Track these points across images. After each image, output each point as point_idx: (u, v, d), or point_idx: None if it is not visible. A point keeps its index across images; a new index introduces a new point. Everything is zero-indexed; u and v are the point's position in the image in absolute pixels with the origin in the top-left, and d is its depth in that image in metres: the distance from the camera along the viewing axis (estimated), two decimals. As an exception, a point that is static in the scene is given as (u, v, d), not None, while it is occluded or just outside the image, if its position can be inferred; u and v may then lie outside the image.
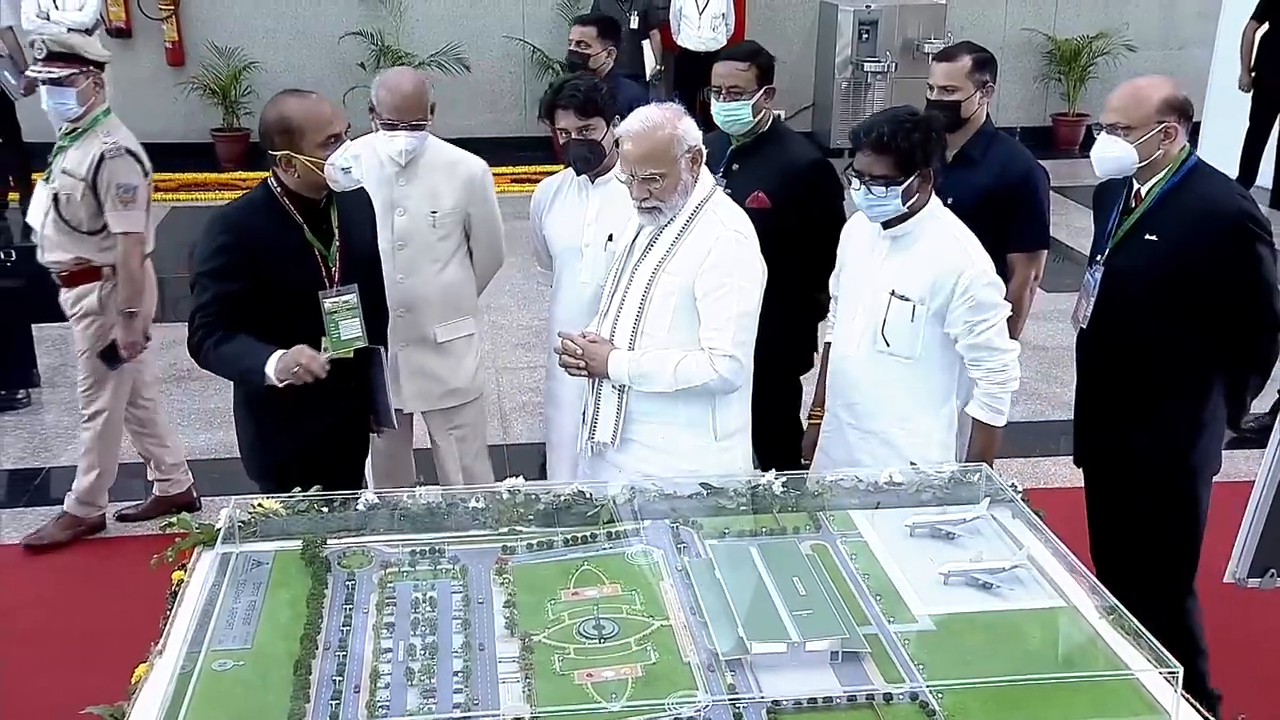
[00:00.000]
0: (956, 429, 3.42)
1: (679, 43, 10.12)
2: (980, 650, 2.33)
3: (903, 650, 2.31)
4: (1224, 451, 3.50)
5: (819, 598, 2.44)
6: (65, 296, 4.54)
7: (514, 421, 5.92)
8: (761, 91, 4.08)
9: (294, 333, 3.19)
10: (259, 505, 2.73)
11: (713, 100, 4.10)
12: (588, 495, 2.82)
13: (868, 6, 10.78)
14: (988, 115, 4.06)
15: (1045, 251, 4.08)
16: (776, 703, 2.15)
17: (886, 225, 3.27)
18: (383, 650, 2.29)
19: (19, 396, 5.88)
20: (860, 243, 3.42)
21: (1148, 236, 3.38)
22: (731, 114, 4.06)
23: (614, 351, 3.22)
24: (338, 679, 2.20)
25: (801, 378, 4.41)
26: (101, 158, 4.35)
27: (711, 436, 3.27)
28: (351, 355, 3.34)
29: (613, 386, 3.26)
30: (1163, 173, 3.35)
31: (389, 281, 3.75)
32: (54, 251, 4.48)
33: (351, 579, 2.54)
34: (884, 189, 3.16)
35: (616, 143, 3.34)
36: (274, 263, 3.21)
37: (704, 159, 3.24)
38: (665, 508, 2.81)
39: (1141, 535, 3.49)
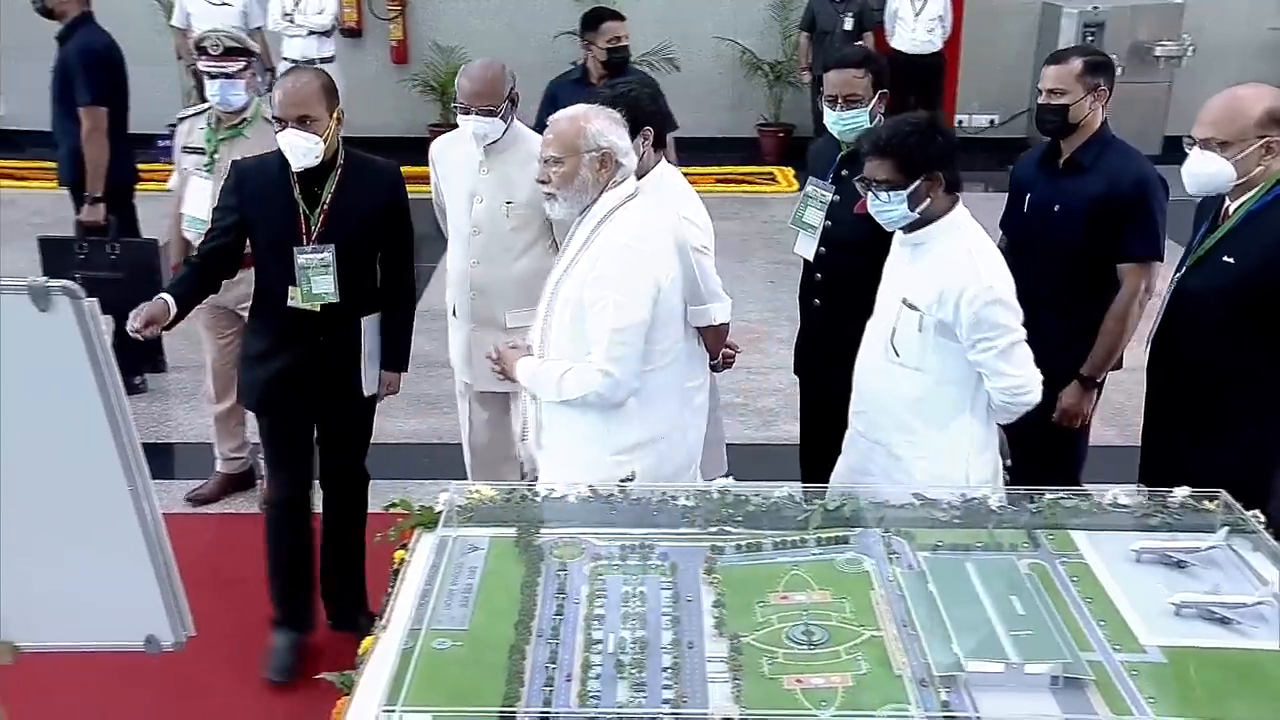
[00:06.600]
0: (980, 446, 3.25)
1: (893, 45, 9.96)
2: (1217, 688, 2.19)
3: (1130, 681, 2.20)
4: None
5: (1038, 619, 2.35)
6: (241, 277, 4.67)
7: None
8: (876, 97, 3.97)
9: (274, 278, 3.74)
10: (476, 492, 2.82)
11: (826, 110, 4.00)
12: (797, 499, 2.80)
13: (1094, 8, 10.35)
14: (1104, 121, 3.89)
15: (1158, 264, 3.85)
16: (993, 724, 2.09)
17: (906, 232, 3.19)
18: (593, 641, 2.32)
19: (136, 381, 5.99)
20: (893, 251, 3.35)
21: (1225, 259, 3.21)
22: (850, 122, 3.94)
23: (521, 359, 3.26)
24: (550, 666, 2.24)
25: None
26: None
27: (606, 450, 3.19)
28: (318, 310, 3.70)
29: (529, 393, 3.32)
30: (1254, 190, 3.16)
31: (463, 264, 4.17)
32: None
33: (563, 569, 2.58)
34: (888, 194, 3.10)
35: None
36: (256, 210, 3.73)
37: (615, 167, 3.16)
38: (876, 516, 2.76)
39: None
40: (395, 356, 4.00)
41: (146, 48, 9.47)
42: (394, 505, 2.85)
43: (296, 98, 3.61)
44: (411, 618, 2.36)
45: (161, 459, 5.44)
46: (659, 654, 2.28)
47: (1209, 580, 2.51)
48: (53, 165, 6.12)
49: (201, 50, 4.54)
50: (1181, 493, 2.80)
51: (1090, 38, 10.33)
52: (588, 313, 3.12)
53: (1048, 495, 2.83)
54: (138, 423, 1.97)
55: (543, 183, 3.19)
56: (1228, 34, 10.71)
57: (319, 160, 3.65)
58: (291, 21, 8.98)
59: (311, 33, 8.99)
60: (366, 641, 2.35)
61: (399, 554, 2.68)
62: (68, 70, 5.69)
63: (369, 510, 4.11)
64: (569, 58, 10.57)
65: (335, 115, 3.68)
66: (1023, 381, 3.14)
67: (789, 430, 4.59)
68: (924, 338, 3.16)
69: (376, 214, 3.81)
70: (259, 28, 8.80)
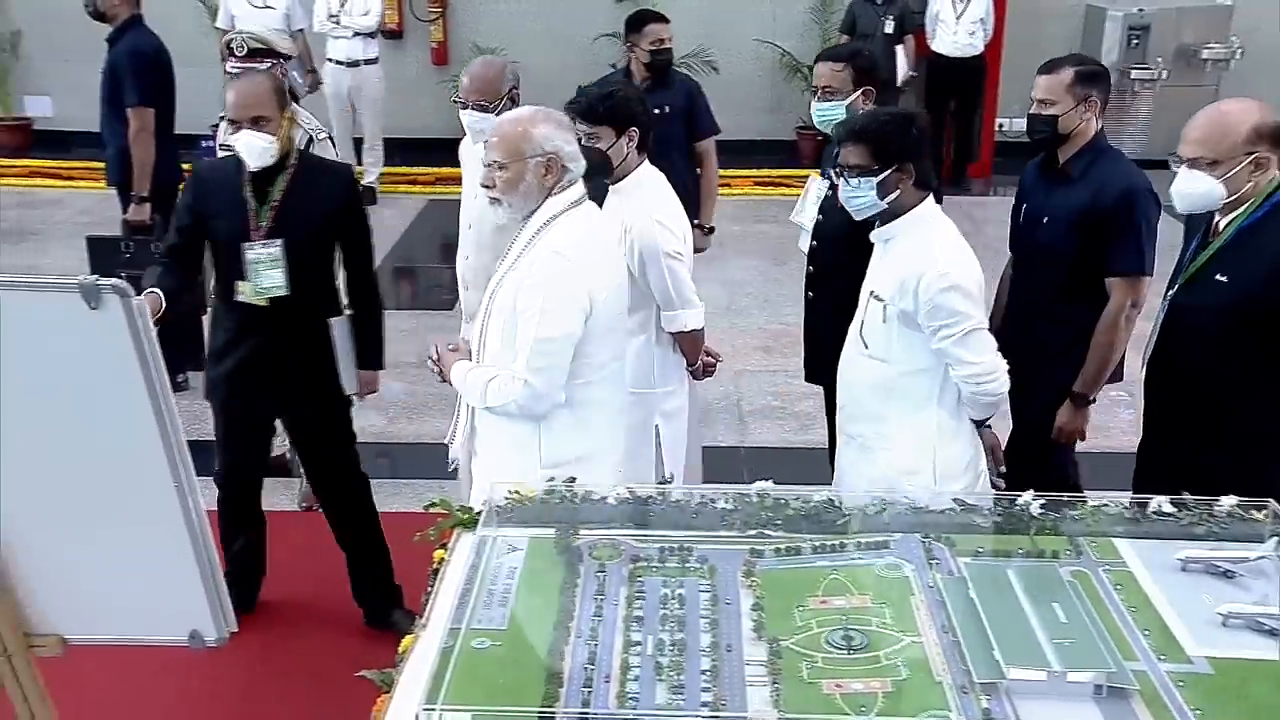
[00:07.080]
0: (949, 436, 3.27)
1: (934, 48, 9.91)
2: (1267, 703, 2.15)
3: (1176, 692, 2.17)
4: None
5: (1081, 627, 2.32)
6: None
7: (753, 424, 5.91)
8: (859, 92, 4.02)
9: (228, 273, 3.83)
10: (515, 492, 2.82)
11: (812, 101, 4.11)
12: (837, 503, 2.79)
13: (1140, 10, 10.22)
14: (1099, 132, 3.84)
15: (1147, 278, 3.79)
16: (1035, 733, 2.07)
17: (878, 226, 3.25)
18: (632, 643, 2.32)
19: (179, 379, 5.95)
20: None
21: (1218, 277, 3.17)
22: (825, 114, 4.03)
23: (457, 361, 3.24)
24: (589, 667, 2.24)
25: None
26: (310, 141, 4.70)
27: (537, 461, 3.14)
28: (267, 303, 3.77)
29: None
30: (1244, 207, 3.14)
31: (459, 258, 4.32)
32: None
33: (602, 571, 2.58)
34: (858, 180, 3.15)
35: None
36: (208, 209, 3.84)
37: (561, 172, 3.11)
38: (916, 521, 2.74)
39: None
40: (369, 356, 4.05)
41: (192, 49, 9.57)
42: (433, 505, 2.86)
43: (248, 99, 3.70)
44: (451, 617, 2.36)
45: (204, 456, 5.46)
46: (698, 656, 2.28)
47: (1257, 591, 2.47)
48: (100, 165, 6.22)
49: (230, 51, 4.61)
50: (1229, 502, 2.76)
51: (1135, 41, 10.22)
52: (518, 319, 3.10)
53: (1090, 502, 2.81)
54: (181, 420, 1.99)
55: (487, 187, 3.15)
56: (1278, 36, 10.55)
57: (274, 159, 3.72)
58: (337, 23, 9.06)
59: (356, 34, 9.07)
60: (406, 640, 2.37)
61: (438, 553, 2.69)
62: (117, 72, 5.78)
63: (406, 510, 4.13)
64: (609, 60, 10.63)
65: (286, 115, 3.78)
66: (984, 369, 3.16)
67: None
68: (888, 328, 3.20)
69: (334, 215, 3.88)
70: (301, 30, 8.89)
